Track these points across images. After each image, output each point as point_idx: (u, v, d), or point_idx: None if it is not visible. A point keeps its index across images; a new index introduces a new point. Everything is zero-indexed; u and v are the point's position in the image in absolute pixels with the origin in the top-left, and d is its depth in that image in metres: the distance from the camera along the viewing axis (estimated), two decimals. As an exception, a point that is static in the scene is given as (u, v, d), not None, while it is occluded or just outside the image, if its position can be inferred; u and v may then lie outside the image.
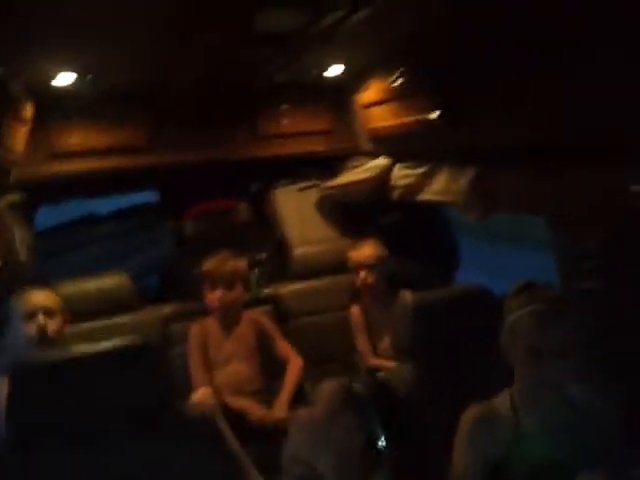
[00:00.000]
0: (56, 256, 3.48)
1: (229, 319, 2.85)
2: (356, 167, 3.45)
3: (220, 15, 1.99)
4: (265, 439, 2.37)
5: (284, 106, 3.31)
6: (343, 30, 2.10)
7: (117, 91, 2.83)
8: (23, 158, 2.69)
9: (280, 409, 2.61)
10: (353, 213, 3.55)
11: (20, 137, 2.57)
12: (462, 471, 1.66)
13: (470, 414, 1.71)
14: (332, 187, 3.52)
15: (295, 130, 3.35)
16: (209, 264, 2.83)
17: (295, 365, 2.80)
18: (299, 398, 2.68)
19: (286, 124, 3.34)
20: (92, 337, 2.51)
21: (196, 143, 3.21)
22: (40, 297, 2.41)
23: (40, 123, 2.78)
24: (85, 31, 1.99)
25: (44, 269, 3.16)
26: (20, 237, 2.87)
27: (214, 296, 2.79)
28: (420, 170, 2.89)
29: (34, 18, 1.79)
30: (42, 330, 2.33)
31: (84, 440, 1.69)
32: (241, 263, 2.89)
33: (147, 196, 3.94)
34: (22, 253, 2.87)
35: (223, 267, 2.80)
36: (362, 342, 3.05)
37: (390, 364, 2.60)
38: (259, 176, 3.79)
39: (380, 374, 2.42)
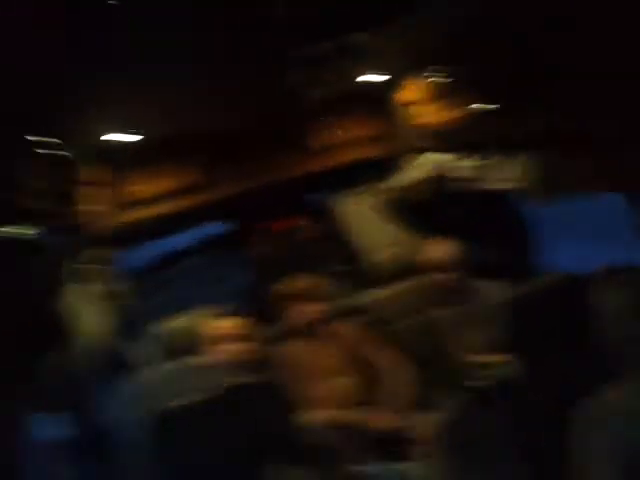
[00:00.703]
0: (145, 298, 3.68)
1: (313, 336, 2.86)
2: (410, 166, 3.46)
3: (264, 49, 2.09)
4: (385, 449, 2.40)
5: (329, 119, 3.38)
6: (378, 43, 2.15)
7: (174, 139, 3.01)
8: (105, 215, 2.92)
9: (394, 416, 2.56)
10: (418, 211, 3.53)
11: (103, 199, 2.80)
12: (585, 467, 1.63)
13: (586, 411, 1.67)
14: (392, 189, 3.52)
15: (343, 140, 3.42)
16: (285, 286, 2.89)
17: (397, 370, 2.76)
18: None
19: (333, 136, 3.41)
20: (197, 372, 2.65)
21: (251, 171, 3.35)
22: (229, 323, 2.56)
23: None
24: (146, 95, 2.16)
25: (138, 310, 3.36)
26: (113, 286, 3.10)
27: (296, 315, 2.84)
28: (478, 161, 2.87)
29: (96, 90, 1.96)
30: (238, 355, 2.47)
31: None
32: (315, 279, 2.93)
33: (217, 226, 4.09)
34: (117, 300, 3.10)
35: (299, 285, 2.85)
36: (456, 341, 3.02)
37: (496, 358, 2.50)
38: (317, 189, 3.85)
39: (490, 371, 2.41)
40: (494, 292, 2.19)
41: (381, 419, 2.54)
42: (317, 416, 2.39)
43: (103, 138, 2.65)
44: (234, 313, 2.61)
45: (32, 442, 2.33)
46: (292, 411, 2.34)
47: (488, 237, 3.36)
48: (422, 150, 3.32)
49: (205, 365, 2.54)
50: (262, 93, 2.79)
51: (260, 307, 3.27)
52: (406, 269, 3.31)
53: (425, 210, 3.55)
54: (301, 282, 2.87)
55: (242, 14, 1.76)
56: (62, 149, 2.44)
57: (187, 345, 2.82)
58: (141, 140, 2.81)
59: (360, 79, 2.93)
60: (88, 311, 2.89)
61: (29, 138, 2.28)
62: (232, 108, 2.89)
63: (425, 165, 3.34)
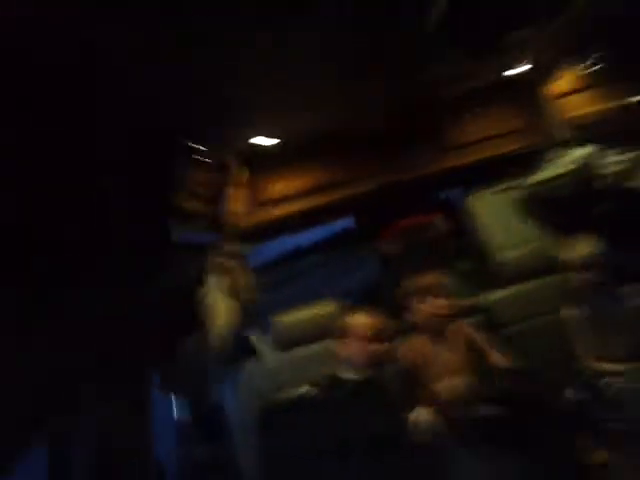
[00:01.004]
0: (270, 291, 3.79)
1: (437, 333, 2.82)
2: (554, 160, 3.27)
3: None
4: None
5: (467, 114, 3.28)
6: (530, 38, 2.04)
7: (308, 139, 3.05)
8: (244, 214, 3.03)
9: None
10: (561, 208, 3.35)
11: (242, 199, 2.91)
12: None
13: None
14: (535, 184, 3.36)
15: (482, 135, 3.31)
16: (411, 281, 2.86)
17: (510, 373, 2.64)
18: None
19: (472, 131, 3.31)
20: (308, 362, 2.76)
21: (387, 167, 3.33)
22: (368, 320, 2.58)
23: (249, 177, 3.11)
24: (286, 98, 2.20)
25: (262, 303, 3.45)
26: (244, 280, 3.20)
27: (421, 310, 2.80)
28: (631, 155, 2.67)
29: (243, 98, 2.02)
30: (369, 354, 2.47)
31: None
32: (442, 276, 2.87)
33: (345, 222, 4.13)
34: (247, 293, 3.20)
35: (426, 281, 2.81)
36: (583, 346, 2.86)
37: (620, 367, 2.42)
38: (452, 185, 3.77)
39: (606, 380, 2.24)
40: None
41: None
42: (430, 414, 2.36)
43: (247, 141, 2.76)
44: (365, 309, 2.60)
45: (161, 422, 2.47)
46: (406, 408, 2.34)
47: (636, 238, 3.13)
48: (569, 144, 3.14)
49: (331, 358, 2.56)
50: (398, 90, 2.76)
51: (387, 303, 3.27)
52: (536, 268, 3.16)
53: (567, 207, 3.36)
54: (428, 278, 2.82)
55: (384, 14, 1.72)
56: (210, 154, 2.55)
57: (310, 336, 2.91)
58: (279, 142, 2.89)
59: (506, 72, 2.81)
60: (223, 302, 3.01)
61: (184, 144, 2.38)
62: (366, 106, 2.88)
63: (571, 159, 3.15)
